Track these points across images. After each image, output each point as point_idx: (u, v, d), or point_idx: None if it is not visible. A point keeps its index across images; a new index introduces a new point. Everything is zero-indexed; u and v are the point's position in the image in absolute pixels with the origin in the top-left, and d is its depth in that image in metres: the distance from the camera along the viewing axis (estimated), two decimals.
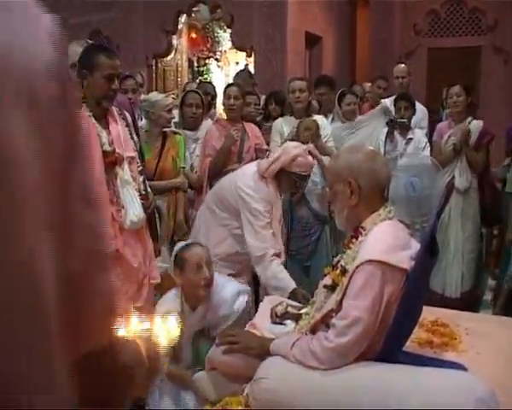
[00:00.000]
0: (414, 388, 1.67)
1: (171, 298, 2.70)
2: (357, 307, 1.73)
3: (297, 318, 2.15)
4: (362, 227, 1.90)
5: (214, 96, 5.32)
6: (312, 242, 3.92)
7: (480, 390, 1.65)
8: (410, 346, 2.20)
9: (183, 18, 8.97)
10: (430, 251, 1.83)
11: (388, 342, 1.82)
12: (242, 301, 2.70)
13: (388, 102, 5.39)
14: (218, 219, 3.26)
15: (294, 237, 3.92)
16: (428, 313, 2.71)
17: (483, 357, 2.32)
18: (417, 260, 1.79)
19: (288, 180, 3.15)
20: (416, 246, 1.85)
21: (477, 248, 4.58)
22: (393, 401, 1.63)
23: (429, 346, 2.40)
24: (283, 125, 4.28)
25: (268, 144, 4.21)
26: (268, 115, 4.76)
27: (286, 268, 3.77)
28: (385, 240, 1.81)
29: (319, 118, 4.41)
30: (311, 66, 8.69)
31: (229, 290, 2.72)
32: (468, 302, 4.46)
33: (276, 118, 4.53)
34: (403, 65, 5.74)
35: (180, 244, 2.84)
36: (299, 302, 3.07)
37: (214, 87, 5.47)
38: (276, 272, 3.06)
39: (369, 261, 1.75)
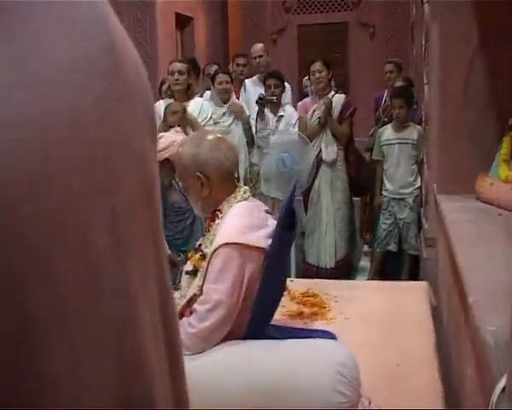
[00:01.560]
0: (275, 360, 1.72)
1: None
2: (217, 291, 1.75)
3: None
4: (218, 210, 1.92)
5: None
6: (187, 226, 3.91)
7: (340, 355, 1.73)
8: (280, 319, 2.27)
9: None
10: (288, 226, 1.88)
11: (254, 320, 1.86)
12: None
13: (248, 82, 5.44)
14: None
15: (169, 222, 3.89)
16: (300, 285, 2.81)
17: (351, 322, 2.43)
18: (274, 236, 1.83)
19: (169, 169, 3.31)
20: (272, 223, 1.89)
21: (348, 217, 4.77)
22: (257, 375, 1.67)
23: (300, 317, 2.48)
24: (162, 107, 4.18)
25: None
26: None
27: None
28: (240, 221, 1.83)
29: (199, 100, 4.37)
30: (184, 47, 8.61)
31: None
32: (344, 270, 4.65)
33: None
34: (260, 45, 5.72)
35: None
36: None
37: None
38: None
39: (226, 244, 1.77)
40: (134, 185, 0.46)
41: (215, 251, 1.78)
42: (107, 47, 0.45)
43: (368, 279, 4.58)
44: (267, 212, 1.98)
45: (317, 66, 4.63)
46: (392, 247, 4.54)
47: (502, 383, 1.13)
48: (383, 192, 4.57)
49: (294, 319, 2.43)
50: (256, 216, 1.89)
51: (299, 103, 4.94)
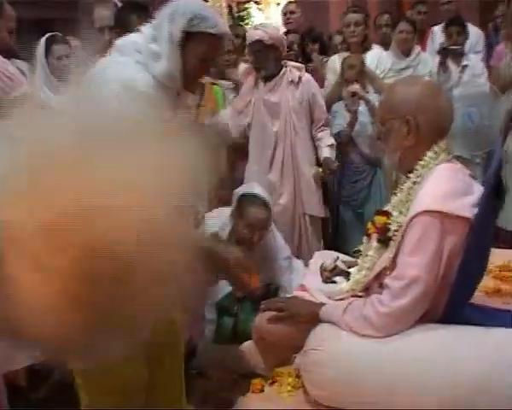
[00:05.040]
0: (481, 356, 1.48)
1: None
2: (413, 265, 1.53)
3: (348, 273, 1.97)
4: (416, 171, 1.68)
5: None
6: (365, 187, 3.71)
7: None
8: (476, 296, 1.99)
9: None
10: (496, 194, 1.60)
11: (453, 299, 1.62)
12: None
13: (437, 29, 5.03)
14: None
15: (346, 182, 3.74)
16: (495, 257, 2.47)
17: None
18: (481, 205, 1.56)
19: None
20: (479, 190, 1.62)
21: None
22: (459, 374, 1.45)
23: (497, 295, 2.18)
24: (338, 62, 3.98)
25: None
26: (307, 56, 4.52)
27: (339, 215, 3.65)
28: (442, 186, 1.58)
29: (377, 52, 4.09)
30: None
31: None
32: None
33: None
34: None
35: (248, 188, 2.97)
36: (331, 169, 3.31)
37: (244, 29, 5.06)
38: None
39: (426, 212, 1.53)
40: None
41: (412, 219, 1.56)
42: None
43: None
44: (471, 176, 1.70)
45: None
46: None
47: None
48: None
49: (492, 297, 2.14)
50: (461, 181, 1.63)
51: (496, 49, 4.46)
